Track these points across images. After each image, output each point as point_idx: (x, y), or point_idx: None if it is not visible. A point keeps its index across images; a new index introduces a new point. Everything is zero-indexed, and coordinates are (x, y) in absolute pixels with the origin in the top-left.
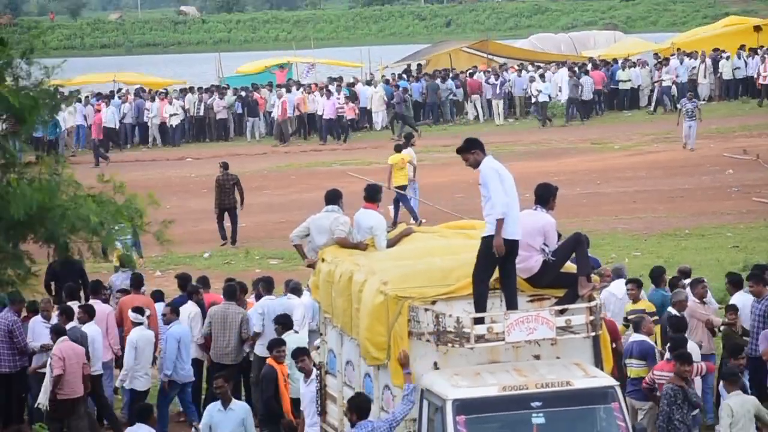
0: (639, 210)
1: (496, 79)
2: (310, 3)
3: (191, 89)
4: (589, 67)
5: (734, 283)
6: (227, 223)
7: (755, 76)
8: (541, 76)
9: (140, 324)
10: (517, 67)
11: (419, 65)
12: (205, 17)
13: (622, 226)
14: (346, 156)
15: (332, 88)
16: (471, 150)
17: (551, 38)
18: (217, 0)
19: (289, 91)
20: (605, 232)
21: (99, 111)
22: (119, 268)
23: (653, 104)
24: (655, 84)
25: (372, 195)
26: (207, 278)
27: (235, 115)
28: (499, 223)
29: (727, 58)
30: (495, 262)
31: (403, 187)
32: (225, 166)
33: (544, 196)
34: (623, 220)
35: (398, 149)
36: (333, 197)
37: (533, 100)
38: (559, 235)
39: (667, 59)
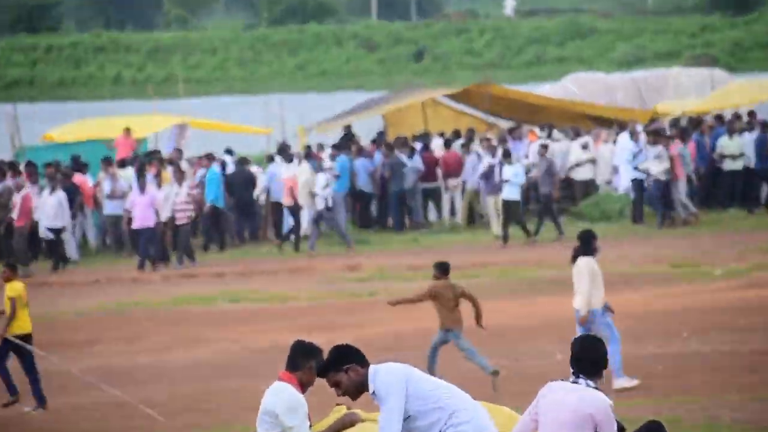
0: (759, 385)
1: (493, 156)
2: (175, 18)
3: None
4: (668, 131)
5: None
6: None
7: None
8: (506, 153)
9: None
10: (539, 133)
11: (380, 133)
12: None
13: (732, 414)
14: (239, 284)
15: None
16: (342, 366)
17: (600, 81)
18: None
19: (141, 174)
20: (699, 422)
21: None
22: None
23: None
24: None
25: (296, 358)
26: None
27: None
28: None
29: None
30: None
31: (27, 338)
32: None
33: (591, 360)
34: (731, 403)
35: (12, 270)
36: None
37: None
38: (621, 428)
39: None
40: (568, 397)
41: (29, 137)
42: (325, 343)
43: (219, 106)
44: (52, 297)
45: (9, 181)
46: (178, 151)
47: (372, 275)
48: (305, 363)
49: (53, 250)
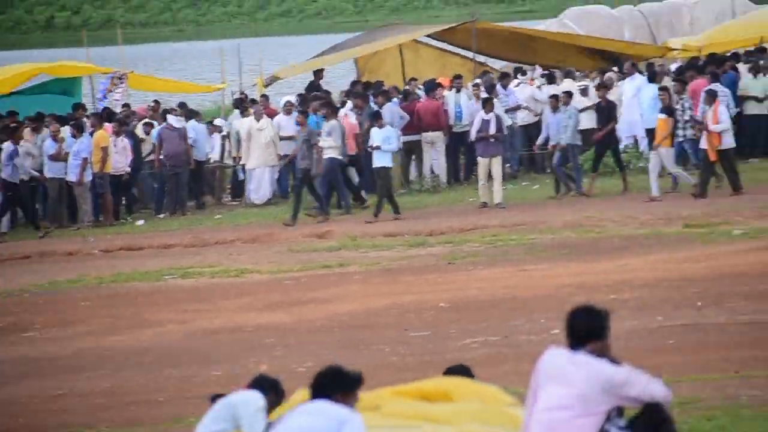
0: None
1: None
2: None
3: None
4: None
5: None
6: None
7: None
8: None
9: None
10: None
11: (357, 81)
12: None
13: (750, 392)
14: (189, 257)
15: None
16: None
17: (604, 16)
18: None
19: (78, 131)
20: (715, 402)
21: None
22: None
23: None
24: None
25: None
26: None
27: None
28: None
29: None
30: None
31: None
32: None
33: (590, 330)
34: (752, 381)
35: None
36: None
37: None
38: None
39: None
40: (573, 366)
41: None
42: (292, 322)
43: (167, 54)
44: None
45: None
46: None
47: (343, 244)
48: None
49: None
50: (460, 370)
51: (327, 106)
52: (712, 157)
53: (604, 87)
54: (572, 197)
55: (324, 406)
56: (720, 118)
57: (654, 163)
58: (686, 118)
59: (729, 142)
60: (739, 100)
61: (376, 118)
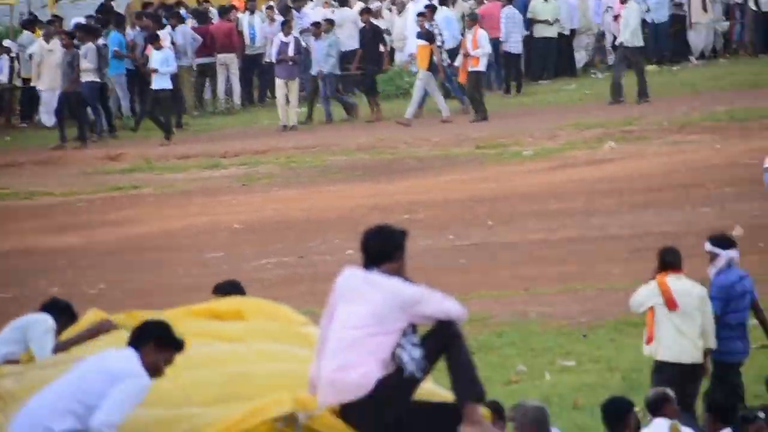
0: (571, 276)
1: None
2: None
3: None
4: None
5: None
6: None
7: None
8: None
9: None
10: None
11: (149, 3)
12: None
13: (539, 308)
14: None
15: None
16: None
17: None
18: None
19: None
20: (505, 319)
21: None
22: None
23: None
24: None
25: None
26: None
27: None
28: None
29: None
30: None
31: None
32: None
33: (384, 250)
34: (540, 297)
35: None
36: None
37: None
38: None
39: None
40: (367, 284)
41: None
42: (85, 245)
43: None
44: None
45: None
46: None
47: (136, 166)
48: None
49: None
50: (230, 287)
51: (81, 29)
52: (461, 78)
53: (368, 11)
54: (364, 120)
55: (109, 357)
56: (480, 42)
57: (433, 87)
58: (438, 44)
59: (483, 65)
60: (530, 23)
61: (152, 41)
